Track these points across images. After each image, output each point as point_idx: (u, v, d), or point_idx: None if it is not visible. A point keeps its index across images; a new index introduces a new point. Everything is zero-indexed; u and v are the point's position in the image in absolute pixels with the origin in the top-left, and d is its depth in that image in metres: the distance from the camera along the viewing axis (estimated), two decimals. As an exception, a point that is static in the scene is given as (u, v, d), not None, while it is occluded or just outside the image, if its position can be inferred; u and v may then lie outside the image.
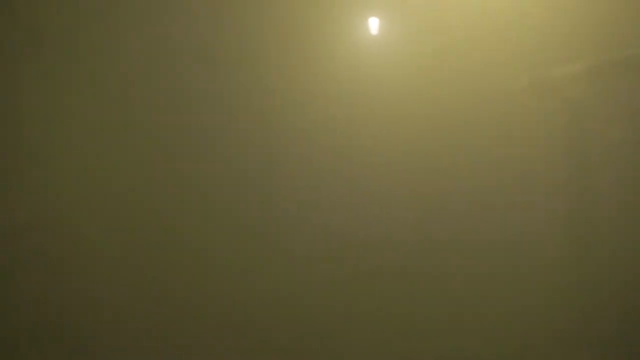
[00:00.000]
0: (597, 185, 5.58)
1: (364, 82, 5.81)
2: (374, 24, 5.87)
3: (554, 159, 5.80)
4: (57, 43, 5.30)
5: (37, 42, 4.87)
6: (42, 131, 5.09)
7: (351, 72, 5.83)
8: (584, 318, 5.22)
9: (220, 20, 5.54)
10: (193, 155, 5.48)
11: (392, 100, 5.88)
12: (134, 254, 5.24)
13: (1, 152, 4.10)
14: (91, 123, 5.48)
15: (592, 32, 5.75)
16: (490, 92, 5.86)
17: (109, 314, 5.23)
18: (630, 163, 5.59)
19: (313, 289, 5.44)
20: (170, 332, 5.27)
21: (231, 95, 5.66)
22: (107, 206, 5.30)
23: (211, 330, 5.37)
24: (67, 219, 5.19)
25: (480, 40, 5.80)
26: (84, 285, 5.22)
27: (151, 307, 5.22)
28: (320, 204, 5.67)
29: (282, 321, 5.34)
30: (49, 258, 5.04)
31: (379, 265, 5.62)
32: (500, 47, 5.81)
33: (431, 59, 5.79)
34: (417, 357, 5.18)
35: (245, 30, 5.69)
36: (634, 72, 5.59)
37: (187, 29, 5.51)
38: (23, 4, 4.66)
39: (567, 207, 5.62)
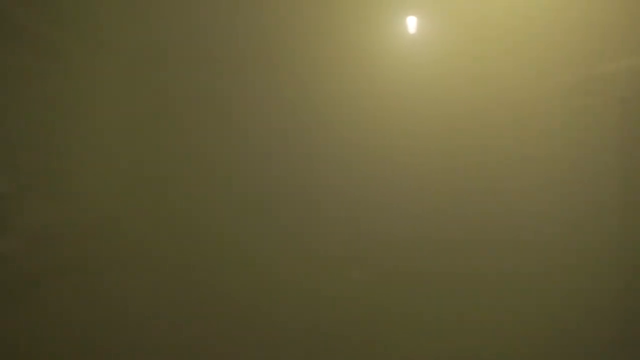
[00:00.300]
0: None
1: (402, 82, 5.74)
2: (412, 23, 5.77)
3: (603, 158, 5.62)
4: (101, 51, 5.43)
5: (84, 48, 4.99)
6: (87, 135, 5.22)
7: (389, 71, 5.76)
8: (632, 319, 5.07)
9: (258, 21, 5.55)
10: (230, 157, 5.53)
11: (431, 100, 5.80)
12: (175, 252, 5.33)
13: (50, 157, 4.22)
14: (135, 127, 5.60)
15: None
16: (537, 90, 5.70)
17: (154, 312, 5.35)
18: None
19: (341, 288, 5.45)
20: (204, 327, 5.37)
21: (265, 95, 5.69)
22: (150, 208, 5.40)
23: (233, 325, 5.45)
24: (114, 220, 5.32)
25: (526, 37, 5.66)
26: (128, 283, 5.35)
27: (189, 305, 5.32)
28: (353, 204, 5.67)
29: (308, 318, 5.38)
30: (95, 257, 5.18)
31: (407, 265, 5.58)
32: (548, 44, 5.65)
33: (474, 58, 5.67)
34: (446, 356, 5.12)
35: (282, 30, 5.71)
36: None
37: (224, 31, 5.56)
38: (70, 10, 4.77)
39: (618, 207, 5.43)
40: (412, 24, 5.63)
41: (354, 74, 5.72)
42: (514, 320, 5.45)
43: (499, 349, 5.15)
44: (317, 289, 5.46)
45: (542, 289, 5.56)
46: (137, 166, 5.39)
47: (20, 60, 3.96)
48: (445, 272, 5.59)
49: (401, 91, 5.69)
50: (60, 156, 4.58)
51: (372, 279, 5.47)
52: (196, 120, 5.43)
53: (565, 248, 5.59)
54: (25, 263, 3.83)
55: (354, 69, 5.69)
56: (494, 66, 5.65)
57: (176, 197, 5.33)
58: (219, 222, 5.40)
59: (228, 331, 5.60)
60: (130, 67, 5.39)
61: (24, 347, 3.76)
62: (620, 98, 5.50)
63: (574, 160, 5.61)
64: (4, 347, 3.47)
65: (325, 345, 5.53)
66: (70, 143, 4.74)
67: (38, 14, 3.96)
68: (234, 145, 5.38)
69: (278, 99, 5.48)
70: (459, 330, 5.62)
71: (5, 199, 3.39)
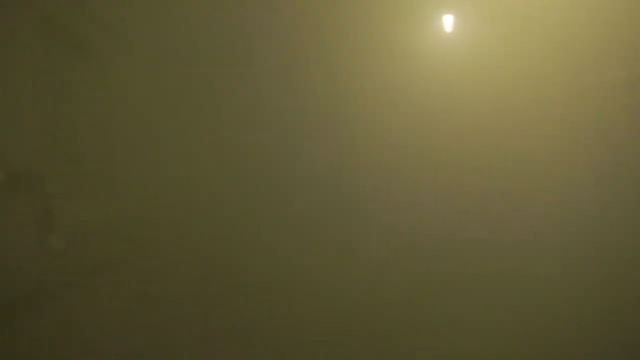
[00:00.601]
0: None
1: (435, 81, 5.76)
2: (446, 21, 5.72)
3: (623, 159, 5.66)
4: (146, 53, 5.59)
5: (128, 52, 5.19)
6: (131, 135, 5.38)
7: (422, 70, 5.79)
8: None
9: (290, 21, 5.66)
10: (272, 158, 5.65)
11: (473, 100, 5.81)
12: (212, 251, 5.46)
13: (92, 160, 4.40)
14: (176, 128, 5.74)
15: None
16: (580, 89, 5.67)
17: (189, 309, 5.45)
18: None
19: (374, 289, 5.57)
20: (235, 326, 5.45)
21: (305, 96, 5.78)
22: (190, 206, 5.54)
23: (263, 325, 5.55)
24: (151, 218, 5.47)
25: (568, 34, 5.57)
26: (166, 281, 5.49)
27: (222, 303, 5.42)
28: (396, 204, 5.75)
29: (355, 320, 5.47)
30: (134, 254, 5.33)
31: (439, 265, 5.67)
32: (591, 41, 5.60)
33: (515, 56, 5.65)
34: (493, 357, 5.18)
35: (314, 29, 5.77)
36: None
37: (254, 30, 5.67)
38: (109, 14, 4.93)
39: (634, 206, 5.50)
40: (446, 22, 5.64)
41: (386, 73, 5.79)
42: (550, 320, 5.50)
43: (533, 349, 5.23)
44: (348, 289, 5.58)
45: (570, 288, 5.66)
46: (172, 167, 5.55)
47: (68, 68, 4.19)
48: (477, 272, 5.68)
49: (432, 91, 5.76)
50: (101, 159, 4.80)
51: (403, 279, 5.58)
52: (228, 120, 5.57)
53: (590, 248, 5.66)
54: (71, 258, 4.05)
55: (385, 69, 5.76)
56: (528, 66, 5.66)
57: (209, 196, 5.50)
58: (252, 222, 5.53)
59: (259, 331, 5.71)
60: (169, 67, 5.57)
61: (66, 340, 3.94)
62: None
63: (602, 160, 5.65)
64: (49, 339, 3.65)
65: (356, 345, 5.61)
66: (110, 146, 4.96)
67: (76, 15, 4.19)
68: (266, 145, 5.51)
69: (309, 98, 5.60)
70: (491, 330, 5.66)
71: (53, 199, 3.62)
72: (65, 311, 3.87)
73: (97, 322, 4.43)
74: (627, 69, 5.62)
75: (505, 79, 5.77)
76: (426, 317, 5.77)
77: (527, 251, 5.82)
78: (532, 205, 5.71)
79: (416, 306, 5.80)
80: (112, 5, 4.60)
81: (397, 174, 5.83)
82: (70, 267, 4.00)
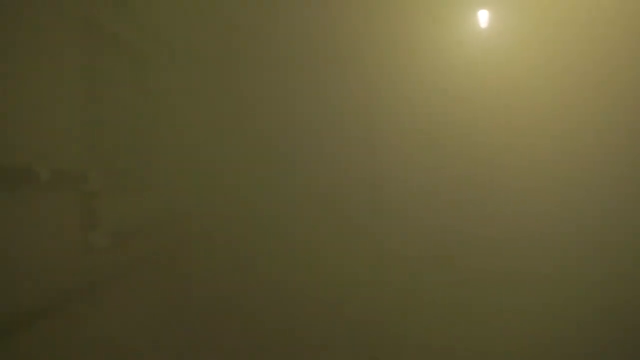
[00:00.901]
0: None
1: (474, 79, 5.69)
2: (484, 17, 5.51)
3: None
4: (186, 54, 5.68)
5: (167, 53, 5.26)
6: (166, 136, 5.47)
7: (460, 68, 5.72)
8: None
9: (329, 22, 5.64)
10: (305, 156, 5.66)
11: (503, 97, 5.73)
12: (253, 250, 5.49)
13: (133, 157, 4.47)
14: (216, 127, 5.80)
15: None
16: (621, 88, 5.56)
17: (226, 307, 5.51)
18: None
19: (421, 288, 5.51)
20: (275, 324, 5.48)
21: (338, 95, 5.76)
22: (227, 205, 5.60)
23: (305, 323, 5.54)
24: (193, 215, 5.54)
25: (604, 31, 5.53)
26: (208, 277, 5.54)
27: (262, 301, 5.45)
28: (427, 203, 5.69)
29: (387, 320, 5.44)
30: (176, 251, 5.41)
31: (488, 264, 5.58)
32: (632, 38, 5.50)
33: (554, 53, 5.56)
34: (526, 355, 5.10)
35: (354, 29, 5.73)
36: None
37: (296, 30, 5.67)
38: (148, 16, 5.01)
39: None
40: (482, 18, 5.53)
41: (436, 70, 5.72)
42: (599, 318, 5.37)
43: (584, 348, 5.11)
44: (395, 289, 5.55)
45: (579, 287, 5.51)
46: (213, 164, 5.61)
47: (106, 65, 4.25)
48: (525, 271, 5.57)
49: (474, 88, 5.67)
50: (142, 158, 4.86)
51: (453, 279, 5.50)
52: (269, 119, 5.60)
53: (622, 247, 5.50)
54: (114, 255, 4.10)
55: (436, 66, 5.68)
56: (568, 64, 5.53)
57: (250, 194, 5.52)
58: (293, 220, 5.54)
59: (300, 330, 5.73)
60: (205, 67, 5.63)
61: (107, 337, 4.00)
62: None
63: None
64: (94, 336, 3.71)
65: (405, 344, 5.59)
66: (151, 144, 5.02)
67: (117, 16, 4.24)
68: (306, 144, 5.51)
69: (350, 97, 5.57)
70: (540, 329, 5.59)
71: (96, 196, 3.67)
72: (106, 309, 3.92)
73: (137, 319, 4.48)
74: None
75: (542, 76, 5.64)
76: (440, 315, 5.67)
77: (544, 250, 5.68)
78: (572, 205, 5.57)
79: (439, 305, 5.70)
80: (152, 6, 4.66)
81: (440, 174, 5.73)
82: (112, 264, 4.06)
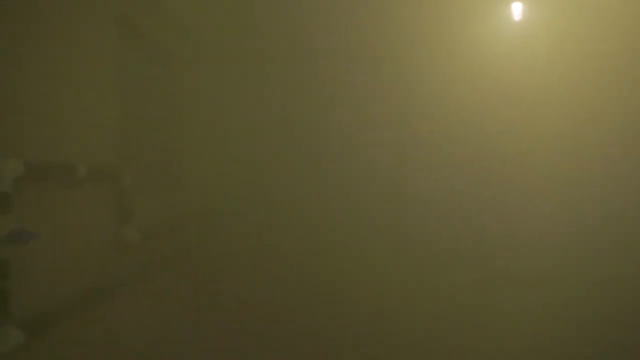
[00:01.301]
0: None
1: (507, 74, 5.59)
2: (518, 9, 5.34)
3: None
4: (218, 53, 5.70)
5: (200, 52, 5.30)
6: (203, 132, 5.51)
7: (497, 62, 5.62)
8: None
9: (360, 17, 5.59)
10: (334, 154, 5.64)
11: (537, 93, 5.63)
12: (284, 248, 5.51)
13: (164, 154, 4.52)
14: (247, 123, 5.82)
15: None
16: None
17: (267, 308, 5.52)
18: None
19: (445, 288, 5.47)
20: (304, 321, 5.48)
21: (370, 90, 5.72)
22: (261, 203, 5.62)
23: (331, 319, 5.52)
24: (223, 211, 5.57)
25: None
26: (238, 273, 5.57)
27: (299, 303, 5.46)
28: (452, 202, 5.64)
29: (413, 317, 5.41)
30: (206, 246, 5.45)
31: (512, 264, 5.51)
32: None
33: (589, 45, 5.42)
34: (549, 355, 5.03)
35: (385, 25, 5.66)
36: None
37: (325, 29, 5.63)
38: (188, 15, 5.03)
39: None
40: (517, 11, 5.41)
41: (470, 64, 5.63)
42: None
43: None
44: (421, 289, 5.52)
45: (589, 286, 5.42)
46: (244, 162, 5.63)
47: (138, 62, 4.29)
48: (545, 271, 5.49)
49: (507, 84, 5.59)
50: (175, 155, 4.90)
51: (476, 278, 5.45)
52: (299, 115, 5.59)
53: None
54: (145, 251, 4.14)
55: (470, 59, 5.60)
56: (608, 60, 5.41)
57: (281, 192, 5.53)
58: (323, 216, 5.54)
59: (326, 326, 5.74)
60: (235, 64, 5.65)
61: (139, 331, 4.05)
62: None
63: None
64: (123, 331, 3.75)
65: (430, 343, 5.56)
66: (183, 141, 5.06)
67: (150, 14, 4.27)
68: (338, 141, 5.50)
69: (383, 94, 5.52)
70: (560, 329, 5.51)
71: (129, 192, 3.71)
72: (136, 304, 3.96)
73: (166, 316, 4.52)
74: None
75: (579, 74, 5.53)
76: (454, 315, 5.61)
77: (564, 250, 5.60)
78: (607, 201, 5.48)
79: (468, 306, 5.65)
80: (185, 5, 4.69)
81: (468, 171, 5.67)
82: (144, 260, 4.10)
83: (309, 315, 5.61)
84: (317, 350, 5.23)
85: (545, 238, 5.66)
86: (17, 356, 2.46)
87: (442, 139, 5.58)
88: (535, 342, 5.34)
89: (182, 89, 4.92)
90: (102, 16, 3.54)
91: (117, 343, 3.58)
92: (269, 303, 5.51)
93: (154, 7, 4.24)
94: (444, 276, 5.57)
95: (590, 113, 5.63)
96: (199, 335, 5.03)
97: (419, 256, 5.50)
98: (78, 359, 3.03)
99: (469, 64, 5.67)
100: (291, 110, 5.68)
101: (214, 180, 5.39)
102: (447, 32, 5.61)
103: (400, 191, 5.54)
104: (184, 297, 4.87)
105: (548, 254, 5.66)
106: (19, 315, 2.47)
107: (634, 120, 5.61)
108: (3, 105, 2.47)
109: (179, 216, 4.73)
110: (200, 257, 5.23)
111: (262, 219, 5.24)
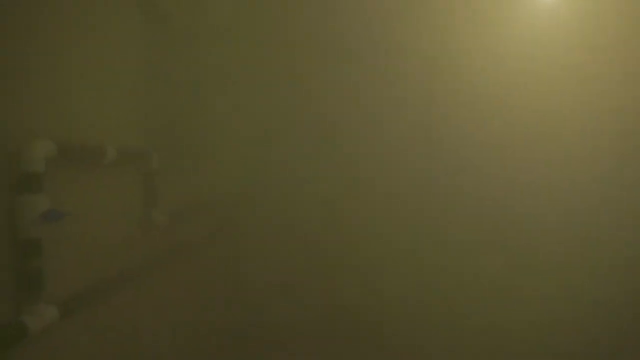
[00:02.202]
0: None
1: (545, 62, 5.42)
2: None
3: None
4: (246, 38, 5.66)
5: (226, 37, 5.30)
6: (231, 116, 5.51)
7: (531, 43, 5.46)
8: None
9: (395, 12, 5.49)
10: (368, 146, 5.57)
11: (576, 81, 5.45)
12: (311, 232, 5.50)
13: (195, 133, 4.53)
14: (275, 103, 5.78)
15: None
16: None
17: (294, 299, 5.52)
18: None
19: (478, 273, 5.41)
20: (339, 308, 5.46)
21: (405, 85, 5.62)
22: (287, 185, 5.59)
23: (369, 308, 5.49)
24: (248, 194, 5.58)
25: None
26: (264, 255, 5.59)
27: (327, 287, 5.44)
28: (489, 187, 5.54)
29: (445, 304, 5.36)
30: (234, 227, 5.47)
31: (545, 251, 5.42)
32: None
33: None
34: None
35: (420, 21, 5.53)
36: None
37: (366, 23, 5.55)
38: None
39: None
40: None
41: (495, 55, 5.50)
42: None
43: None
44: (454, 273, 5.47)
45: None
46: (271, 144, 5.62)
47: (163, 43, 4.31)
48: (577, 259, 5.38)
49: (545, 72, 5.44)
50: (200, 135, 4.93)
51: (509, 263, 5.38)
52: (325, 94, 5.54)
53: None
54: (172, 233, 4.18)
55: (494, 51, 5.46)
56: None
57: (308, 174, 5.51)
58: (350, 204, 5.51)
59: (358, 312, 5.72)
60: (258, 46, 5.61)
61: (165, 315, 4.10)
62: None
63: None
64: (153, 312, 3.80)
65: (463, 329, 5.53)
66: (207, 122, 5.08)
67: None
68: (373, 133, 5.45)
69: (418, 88, 5.43)
70: (598, 315, 5.41)
71: (157, 174, 3.74)
72: (165, 285, 4.01)
73: (195, 297, 4.57)
74: None
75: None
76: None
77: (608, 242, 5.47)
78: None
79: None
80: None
81: (506, 157, 5.57)
82: (172, 242, 4.15)
83: (338, 297, 5.58)
84: (354, 332, 5.24)
85: (576, 220, 5.56)
86: (52, 332, 2.51)
87: (479, 120, 5.47)
88: (563, 324, 5.28)
89: (207, 71, 4.93)
90: (126, 0, 3.56)
91: (145, 324, 3.63)
92: (298, 285, 5.52)
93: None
94: (477, 259, 5.50)
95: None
96: (227, 317, 5.08)
97: (445, 241, 5.45)
98: (108, 337, 3.08)
99: (502, 48, 5.56)
100: (317, 89, 5.62)
101: (240, 162, 5.40)
102: (481, 16, 5.49)
103: (431, 175, 5.47)
104: (211, 280, 4.91)
105: (581, 236, 5.56)
106: (52, 293, 2.51)
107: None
108: (36, 87, 2.50)
109: (205, 199, 4.76)
110: (228, 239, 5.26)
111: (290, 202, 5.24)
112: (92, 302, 2.77)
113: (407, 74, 5.40)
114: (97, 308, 2.93)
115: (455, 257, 5.32)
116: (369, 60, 5.32)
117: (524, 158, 5.42)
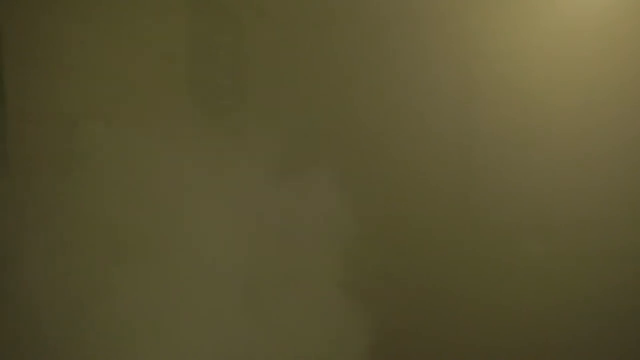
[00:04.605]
0: None
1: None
2: None
3: None
4: (283, 21, 5.66)
5: (265, 20, 5.30)
6: (270, 93, 5.51)
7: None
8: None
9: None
10: (395, 124, 5.51)
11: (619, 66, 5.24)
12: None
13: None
14: (316, 85, 5.75)
15: None
16: None
17: None
18: None
19: (516, 259, 5.29)
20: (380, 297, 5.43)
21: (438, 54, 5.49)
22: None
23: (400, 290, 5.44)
24: None
25: None
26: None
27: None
28: (527, 170, 5.39)
29: (483, 291, 5.27)
30: None
31: (587, 239, 5.26)
32: None
33: None
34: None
35: None
36: None
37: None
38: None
39: None
40: None
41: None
42: None
43: None
44: (492, 259, 5.36)
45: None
46: (309, 120, 5.60)
47: (207, 28, 4.34)
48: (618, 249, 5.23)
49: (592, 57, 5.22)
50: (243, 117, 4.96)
51: (550, 250, 5.24)
52: (363, 71, 5.46)
53: None
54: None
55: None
56: None
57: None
58: (390, 198, 5.47)
59: (399, 298, 5.70)
60: (299, 28, 5.59)
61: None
62: None
63: None
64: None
65: (500, 316, 5.44)
66: (248, 105, 5.11)
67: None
68: (403, 110, 5.39)
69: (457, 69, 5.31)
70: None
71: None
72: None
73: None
74: None
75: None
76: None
77: None
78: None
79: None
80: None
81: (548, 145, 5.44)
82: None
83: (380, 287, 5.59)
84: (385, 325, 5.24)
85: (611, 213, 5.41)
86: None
87: (517, 101, 5.37)
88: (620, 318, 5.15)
89: (249, 53, 4.96)
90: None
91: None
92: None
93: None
94: (524, 246, 5.43)
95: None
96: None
97: (493, 226, 5.39)
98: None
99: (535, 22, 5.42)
100: (357, 67, 5.59)
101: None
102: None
103: (469, 157, 5.39)
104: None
105: (616, 231, 5.41)
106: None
107: None
108: (85, 72, 2.56)
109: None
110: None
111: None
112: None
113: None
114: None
115: (498, 244, 5.24)
116: (411, 30, 5.25)
117: (578, 147, 5.28)
